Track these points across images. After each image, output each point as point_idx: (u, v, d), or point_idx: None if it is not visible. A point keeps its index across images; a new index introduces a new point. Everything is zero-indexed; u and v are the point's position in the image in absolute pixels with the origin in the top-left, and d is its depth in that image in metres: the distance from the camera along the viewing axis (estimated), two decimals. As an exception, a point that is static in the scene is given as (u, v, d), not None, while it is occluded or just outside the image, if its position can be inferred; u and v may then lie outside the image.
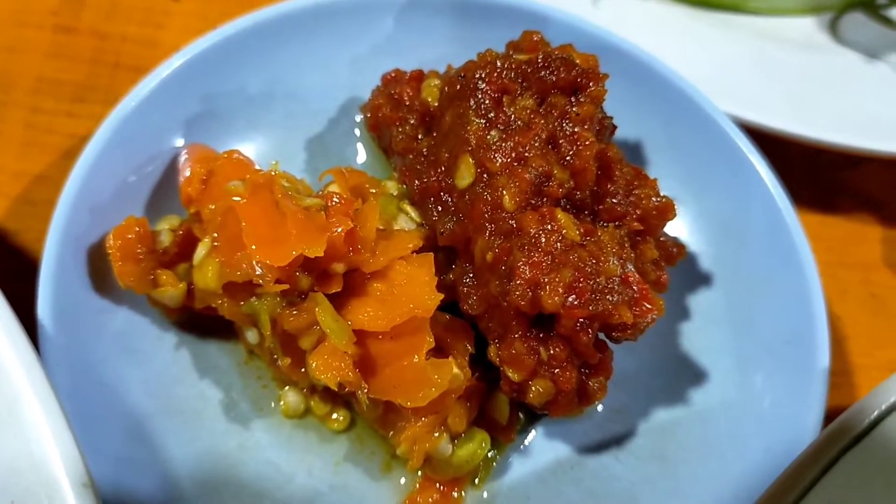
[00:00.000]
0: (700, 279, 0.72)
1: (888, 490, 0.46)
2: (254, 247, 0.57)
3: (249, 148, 0.71)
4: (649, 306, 0.59)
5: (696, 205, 0.74)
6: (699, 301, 0.71)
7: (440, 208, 0.63)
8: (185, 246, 0.62)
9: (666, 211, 0.65)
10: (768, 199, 0.69)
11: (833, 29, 0.92)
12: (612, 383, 0.60)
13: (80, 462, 0.48)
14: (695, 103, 0.72)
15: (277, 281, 0.57)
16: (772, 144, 0.75)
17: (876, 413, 0.46)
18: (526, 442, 0.65)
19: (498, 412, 0.63)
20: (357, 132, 0.76)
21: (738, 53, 0.86)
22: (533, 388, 0.58)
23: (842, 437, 0.47)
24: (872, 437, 0.47)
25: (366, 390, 0.58)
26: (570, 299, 0.55)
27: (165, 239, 0.62)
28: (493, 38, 0.69)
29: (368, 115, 0.73)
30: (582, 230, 0.59)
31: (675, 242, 0.68)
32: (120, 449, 0.57)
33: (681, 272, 0.70)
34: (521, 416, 0.65)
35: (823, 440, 0.47)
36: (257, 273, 0.57)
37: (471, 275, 0.61)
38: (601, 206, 0.64)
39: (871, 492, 0.45)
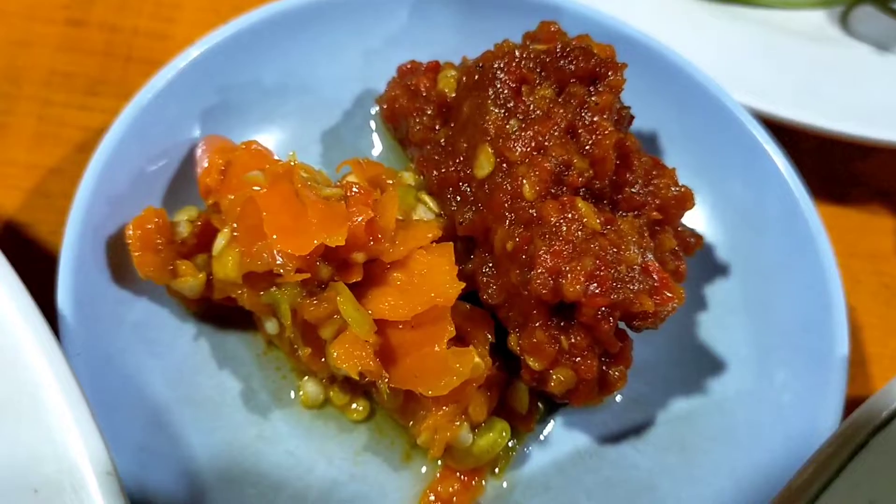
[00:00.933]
0: (717, 269, 0.72)
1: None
2: (274, 236, 0.57)
3: (265, 139, 0.71)
4: (670, 295, 0.59)
5: (712, 195, 0.74)
6: (716, 291, 0.71)
7: (459, 198, 0.63)
8: (204, 237, 0.62)
9: (684, 200, 0.65)
10: (784, 188, 0.70)
11: (843, 22, 0.92)
12: (631, 373, 0.60)
13: (104, 450, 0.47)
14: (710, 93, 0.72)
15: (298, 270, 0.57)
16: (784, 135, 0.75)
17: (904, 397, 0.46)
18: (545, 432, 0.65)
19: (518, 402, 0.63)
20: (372, 124, 0.75)
21: (750, 45, 0.86)
22: (554, 377, 0.58)
23: (868, 422, 0.47)
24: (898, 423, 0.47)
25: (386, 380, 0.58)
26: (591, 287, 0.56)
27: (184, 230, 0.62)
28: (507, 30, 0.69)
29: (385, 107, 0.73)
30: (602, 219, 0.59)
31: (693, 232, 0.68)
32: (140, 439, 0.57)
33: (698, 262, 0.70)
34: (540, 405, 0.65)
35: (850, 425, 0.47)
36: (278, 263, 0.57)
37: (490, 264, 0.61)
38: (620, 196, 0.63)
39: (898, 476, 0.45)
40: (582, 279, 0.56)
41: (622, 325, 0.60)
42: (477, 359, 0.57)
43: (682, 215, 0.66)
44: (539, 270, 0.56)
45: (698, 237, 0.68)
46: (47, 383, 0.49)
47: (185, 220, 0.62)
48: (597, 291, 0.56)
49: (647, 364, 0.67)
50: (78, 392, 0.49)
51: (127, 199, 0.63)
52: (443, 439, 0.59)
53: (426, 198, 0.64)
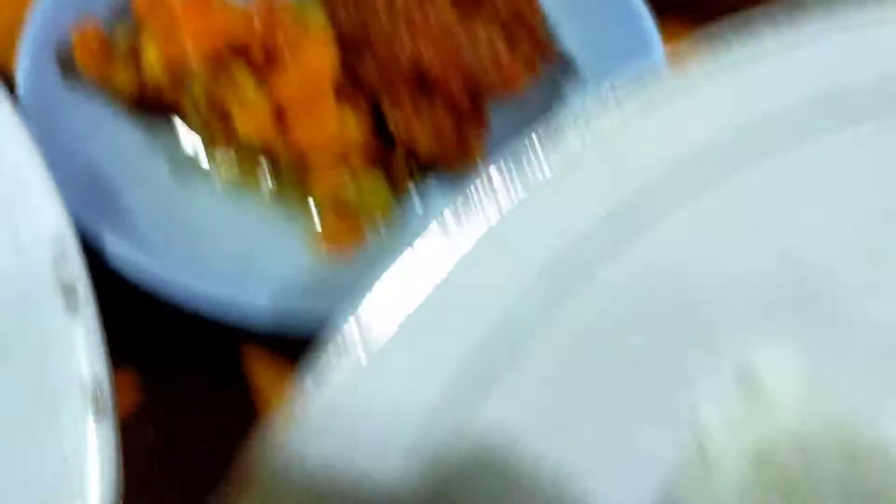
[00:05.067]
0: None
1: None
2: (189, 37, 0.71)
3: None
4: (517, 73, 0.72)
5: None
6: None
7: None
8: (137, 48, 0.76)
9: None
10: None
11: None
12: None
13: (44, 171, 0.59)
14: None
15: (207, 63, 0.71)
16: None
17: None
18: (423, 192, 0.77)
19: (397, 167, 0.76)
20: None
21: None
22: (420, 140, 0.72)
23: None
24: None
25: (283, 145, 0.71)
26: (440, 55, 0.69)
27: (121, 41, 0.76)
28: None
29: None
30: (459, 15, 0.73)
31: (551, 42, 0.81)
32: (83, 192, 0.70)
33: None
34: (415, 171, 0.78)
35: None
36: (192, 59, 0.71)
37: (369, 55, 0.75)
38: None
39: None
40: (438, 55, 0.69)
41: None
42: (357, 120, 0.71)
43: (539, 24, 0.79)
44: (403, 48, 0.70)
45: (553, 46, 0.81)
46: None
47: (120, 32, 0.76)
48: (449, 62, 0.69)
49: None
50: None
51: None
52: (332, 194, 0.72)
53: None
